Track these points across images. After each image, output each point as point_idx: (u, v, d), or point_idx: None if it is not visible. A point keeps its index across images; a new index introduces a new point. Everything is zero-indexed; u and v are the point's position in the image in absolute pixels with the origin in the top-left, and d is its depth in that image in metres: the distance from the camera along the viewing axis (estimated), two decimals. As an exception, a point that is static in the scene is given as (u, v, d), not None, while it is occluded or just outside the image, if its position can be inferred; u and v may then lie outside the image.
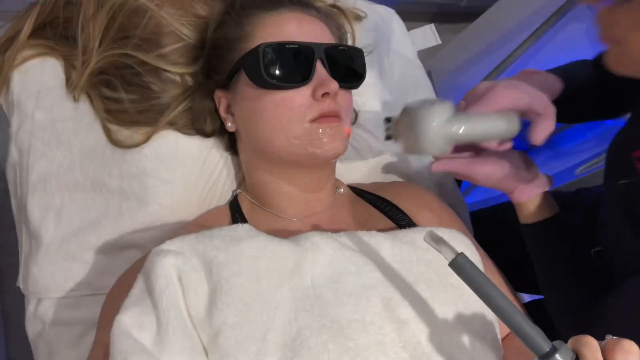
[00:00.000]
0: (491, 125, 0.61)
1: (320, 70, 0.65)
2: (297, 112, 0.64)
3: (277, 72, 0.63)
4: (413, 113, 0.62)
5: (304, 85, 0.64)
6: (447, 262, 0.45)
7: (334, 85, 0.63)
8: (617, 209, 0.64)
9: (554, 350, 0.40)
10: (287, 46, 0.64)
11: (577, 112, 0.77)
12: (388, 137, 0.68)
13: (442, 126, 0.60)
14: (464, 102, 0.65)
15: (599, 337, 0.41)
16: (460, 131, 0.60)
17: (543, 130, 0.59)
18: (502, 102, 0.60)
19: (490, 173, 0.65)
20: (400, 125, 0.65)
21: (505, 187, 0.67)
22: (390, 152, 0.90)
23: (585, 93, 0.73)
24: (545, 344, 0.40)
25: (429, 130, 0.60)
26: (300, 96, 0.64)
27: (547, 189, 0.68)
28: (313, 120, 0.64)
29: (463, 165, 0.65)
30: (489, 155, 0.66)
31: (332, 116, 0.64)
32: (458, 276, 0.44)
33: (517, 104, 0.60)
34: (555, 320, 0.69)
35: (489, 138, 0.62)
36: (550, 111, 0.60)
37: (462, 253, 0.44)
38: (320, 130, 0.64)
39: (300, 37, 0.65)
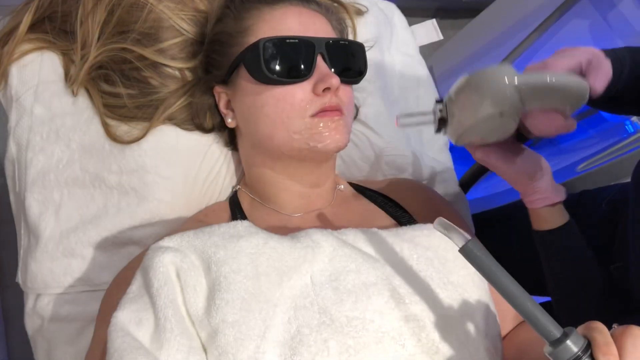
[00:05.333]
0: (567, 79, 0.56)
1: (321, 65, 0.64)
2: (297, 107, 0.63)
3: (278, 67, 0.63)
4: (479, 76, 0.56)
5: (304, 80, 0.64)
6: (457, 248, 0.44)
7: (335, 80, 0.62)
8: None
9: (565, 336, 0.40)
10: (287, 41, 0.63)
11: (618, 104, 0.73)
12: (440, 124, 0.62)
13: (520, 78, 0.54)
14: None
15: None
16: (540, 80, 0.55)
17: (603, 75, 0.57)
18: (563, 64, 0.58)
19: (521, 169, 0.64)
20: (460, 100, 0.59)
21: (527, 189, 0.67)
22: (390, 149, 0.89)
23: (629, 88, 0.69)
24: (556, 330, 0.41)
25: (508, 84, 0.54)
26: (301, 91, 0.63)
27: (562, 198, 0.68)
28: (314, 115, 0.63)
29: (498, 158, 0.65)
30: (525, 155, 0.65)
31: (333, 110, 0.64)
32: (468, 262, 0.44)
33: (578, 64, 0.58)
34: (563, 319, 0.69)
35: (561, 97, 0.57)
36: (604, 60, 0.58)
37: (472, 239, 0.44)
38: (322, 124, 0.63)
39: (301, 31, 0.65)
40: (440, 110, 0.62)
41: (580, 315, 0.67)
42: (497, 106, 0.56)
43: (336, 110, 0.64)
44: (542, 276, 0.74)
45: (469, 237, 0.44)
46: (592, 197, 0.91)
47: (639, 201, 0.67)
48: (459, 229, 0.45)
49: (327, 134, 0.63)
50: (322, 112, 0.63)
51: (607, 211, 0.84)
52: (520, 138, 0.68)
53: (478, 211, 1.08)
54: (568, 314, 0.69)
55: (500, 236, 0.93)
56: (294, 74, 0.63)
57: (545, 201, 0.67)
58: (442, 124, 0.62)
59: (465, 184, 1.01)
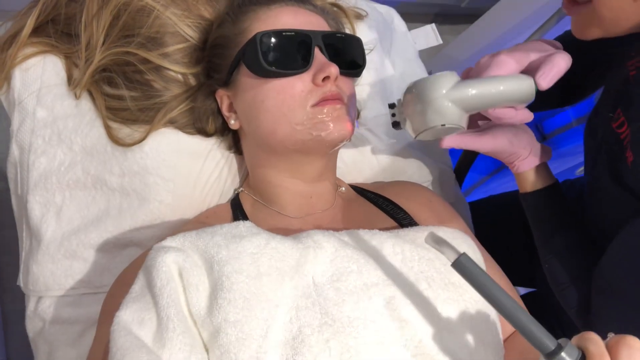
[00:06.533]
0: (504, 85, 0.56)
1: (319, 56, 0.65)
2: (298, 98, 0.64)
3: (276, 59, 0.63)
4: (418, 86, 0.57)
5: (303, 71, 0.64)
6: (450, 263, 0.45)
7: (334, 68, 0.63)
8: (604, 175, 0.65)
9: (559, 348, 0.40)
10: (284, 34, 0.64)
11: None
12: (395, 124, 0.63)
13: (452, 92, 0.55)
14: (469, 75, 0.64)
15: (600, 307, 0.41)
16: (472, 93, 0.55)
17: (551, 72, 0.57)
18: (510, 67, 0.59)
19: (497, 147, 0.65)
20: (407, 106, 0.60)
21: (508, 158, 0.68)
22: (391, 152, 0.90)
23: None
24: (550, 342, 0.41)
25: (439, 97, 0.55)
26: (300, 82, 0.64)
27: (547, 159, 0.69)
28: (315, 105, 0.64)
29: (470, 140, 0.65)
30: (496, 129, 0.66)
31: (334, 99, 0.64)
32: (461, 276, 0.44)
33: (525, 63, 0.59)
34: (556, 289, 0.70)
35: (503, 101, 0.57)
36: (557, 56, 0.58)
37: (464, 253, 0.44)
38: (325, 110, 0.63)
39: (297, 26, 0.66)
40: (393, 115, 0.63)
41: (571, 279, 0.68)
42: (438, 118, 0.57)
43: (337, 99, 0.64)
44: (537, 267, 0.74)
45: (460, 251, 0.45)
46: (572, 181, 0.93)
47: (591, 156, 0.69)
48: (450, 243, 0.46)
49: (330, 122, 0.63)
50: (323, 101, 0.63)
51: (581, 189, 0.86)
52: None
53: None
54: (559, 280, 0.70)
55: (496, 225, 0.95)
56: (292, 65, 0.64)
57: (529, 164, 0.68)
58: (396, 125, 0.64)
59: (459, 171, 1.02)
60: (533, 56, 0.60)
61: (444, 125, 0.57)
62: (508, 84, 0.57)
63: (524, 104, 0.60)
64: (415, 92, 0.58)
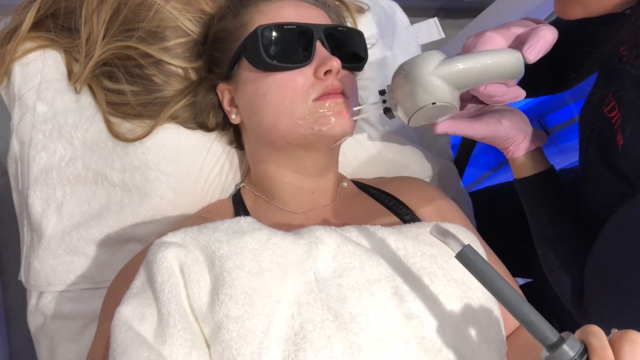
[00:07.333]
0: (491, 59, 0.56)
1: (320, 49, 0.65)
2: (299, 92, 0.63)
3: (277, 52, 0.63)
4: (405, 67, 0.57)
5: (305, 65, 0.64)
6: (454, 254, 0.45)
7: (335, 62, 0.62)
8: (595, 160, 0.65)
9: (561, 340, 0.40)
10: (285, 27, 0.64)
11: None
12: (387, 110, 0.62)
13: (440, 68, 0.54)
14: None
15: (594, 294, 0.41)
16: (460, 68, 0.54)
17: (537, 44, 0.56)
18: (497, 42, 0.58)
19: (492, 132, 0.65)
20: (396, 89, 0.59)
21: (503, 144, 0.68)
22: (393, 147, 0.89)
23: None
24: (553, 335, 0.41)
25: (427, 74, 0.55)
26: (302, 76, 0.63)
27: (542, 144, 0.69)
28: (317, 99, 0.63)
29: (465, 126, 0.64)
30: (490, 114, 0.65)
31: (336, 93, 0.64)
32: (465, 268, 0.44)
33: (511, 38, 0.58)
34: (550, 275, 0.70)
35: (492, 76, 0.57)
36: (544, 28, 0.57)
37: (468, 245, 0.45)
38: (327, 105, 0.63)
39: (298, 20, 0.65)
40: (384, 101, 0.62)
41: (565, 266, 0.68)
42: (427, 97, 0.56)
43: (339, 93, 0.64)
44: (533, 257, 0.74)
45: (465, 243, 0.45)
46: (567, 170, 0.93)
47: (585, 142, 0.69)
48: (455, 235, 0.46)
49: (332, 117, 0.63)
50: (324, 95, 0.63)
51: (576, 177, 0.86)
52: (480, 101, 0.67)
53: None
54: (553, 266, 0.70)
55: (493, 215, 0.95)
56: (294, 59, 0.63)
57: (524, 149, 0.68)
58: (389, 112, 0.62)
59: (459, 161, 1.02)
60: (519, 30, 0.59)
61: (434, 103, 0.56)
62: (495, 58, 0.56)
63: (514, 79, 0.59)
64: (403, 73, 0.57)
